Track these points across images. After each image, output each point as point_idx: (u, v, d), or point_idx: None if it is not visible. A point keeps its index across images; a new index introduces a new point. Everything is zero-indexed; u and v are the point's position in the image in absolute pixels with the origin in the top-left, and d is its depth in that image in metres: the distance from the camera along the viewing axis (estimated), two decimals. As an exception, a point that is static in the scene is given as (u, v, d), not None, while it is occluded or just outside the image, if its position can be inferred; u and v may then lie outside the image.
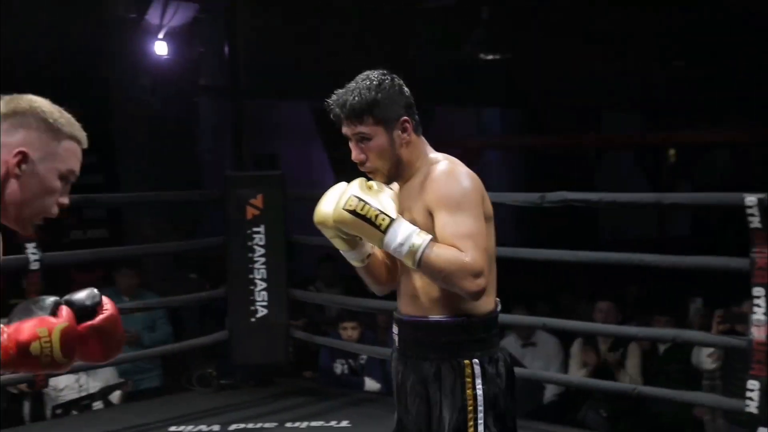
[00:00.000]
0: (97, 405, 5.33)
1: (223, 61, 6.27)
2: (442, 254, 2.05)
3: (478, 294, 2.07)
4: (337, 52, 6.81)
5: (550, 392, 5.53)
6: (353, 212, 2.07)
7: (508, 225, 9.03)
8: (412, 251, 2.05)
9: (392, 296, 2.39)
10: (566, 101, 9.71)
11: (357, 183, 2.13)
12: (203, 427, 4.67)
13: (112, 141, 6.83)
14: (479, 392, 2.13)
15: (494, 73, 8.65)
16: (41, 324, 1.66)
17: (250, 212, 5.21)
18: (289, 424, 4.65)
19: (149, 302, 5.54)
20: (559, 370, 5.50)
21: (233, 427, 4.67)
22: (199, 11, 6.07)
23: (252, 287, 5.22)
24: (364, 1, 6.77)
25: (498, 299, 2.23)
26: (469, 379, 2.14)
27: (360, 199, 2.07)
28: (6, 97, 1.76)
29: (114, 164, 6.81)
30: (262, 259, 5.21)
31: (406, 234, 2.06)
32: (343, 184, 2.18)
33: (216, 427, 4.67)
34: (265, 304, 5.22)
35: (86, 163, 6.26)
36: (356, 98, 2.13)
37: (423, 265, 2.06)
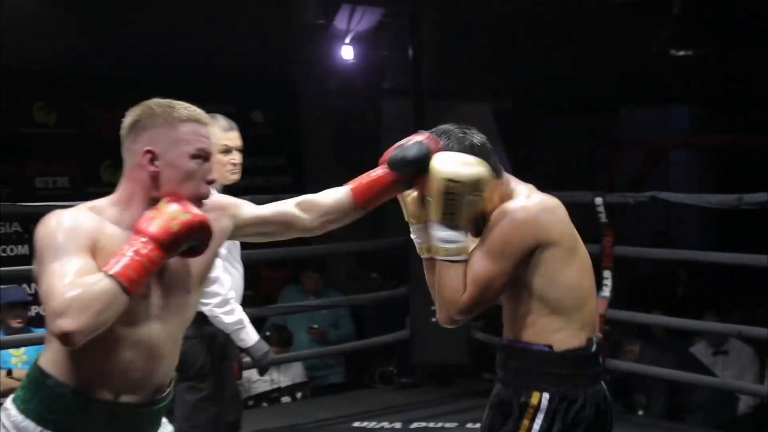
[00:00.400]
0: (285, 399, 5.53)
1: (406, 64, 6.34)
2: (453, 274, 2.08)
3: (450, 324, 2.16)
4: (520, 55, 6.75)
5: (744, 404, 5.25)
6: (449, 192, 2.03)
7: (693, 226, 8.65)
8: (454, 252, 2.06)
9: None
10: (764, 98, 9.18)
11: (467, 157, 2.08)
12: (385, 424, 4.74)
13: (300, 144, 7.07)
14: (536, 427, 2.05)
15: (683, 70, 8.30)
16: (148, 212, 1.81)
17: (433, 212, 5.23)
18: (470, 425, 4.64)
19: (333, 300, 5.69)
20: (755, 380, 5.21)
21: (414, 425, 4.71)
22: (384, 15, 6.17)
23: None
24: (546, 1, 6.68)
25: (595, 338, 2.12)
26: (531, 411, 2.06)
27: (455, 184, 2.03)
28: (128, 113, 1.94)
29: (302, 166, 7.05)
30: (443, 260, 5.21)
31: (456, 238, 2.06)
32: (470, 159, 2.08)
33: (398, 425, 4.73)
34: (443, 304, 5.23)
35: (275, 165, 6.55)
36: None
37: (440, 266, 2.08)
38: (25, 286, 5.17)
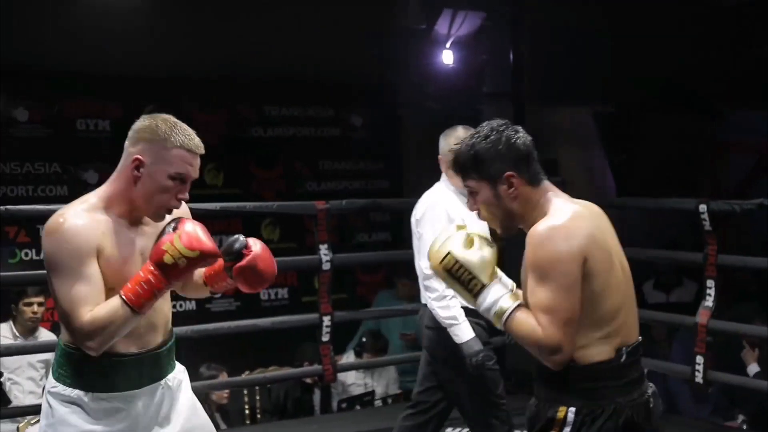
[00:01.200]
0: (378, 402, 5.56)
1: (506, 68, 6.29)
2: (522, 325, 2.05)
3: (557, 366, 2.04)
4: (622, 57, 6.62)
5: None
6: (449, 272, 2.11)
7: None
8: (498, 315, 2.09)
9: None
10: None
11: (459, 239, 2.11)
12: (479, 430, 4.70)
13: (398, 148, 7.10)
14: None
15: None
16: (164, 241, 2.15)
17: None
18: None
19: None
20: None
21: (509, 432, 4.65)
22: (485, 19, 6.14)
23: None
24: (656, 4, 6.53)
25: (626, 348, 2.09)
26: (558, 425, 2.08)
27: (456, 260, 2.09)
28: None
29: (399, 171, 7.07)
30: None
31: (494, 298, 2.08)
32: (449, 232, 2.15)
33: (491, 432, 4.67)
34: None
35: (373, 170, 6.56)
36: (461, 154, 2.15)
37: (507, 329, 2.09)
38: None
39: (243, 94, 6.53)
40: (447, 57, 6.23)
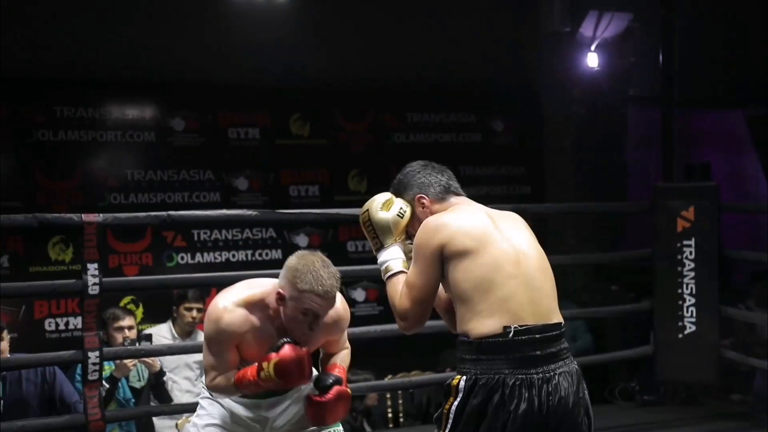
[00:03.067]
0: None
1: (654, 71, 6.14)
2: (394, 287, 2.49)
3: (404, 331, 2.48)
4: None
5: None
6: (363, 225, 2.60)
7: None
8: (385, 272, 2.54)
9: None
10: None
11: (379, 200, 2.59)
12: (626, 442, 4.61)
13: (541, 153, 7.02)
14: (453, 408, 2.34)
15: None
16: (265, 360, 2.70)
17: (681, 224, 5.04)
18: (716, 449, 4.42)
19: (574, 312, 5.58)
20: None
21: (657, 445, 4.54)
22: (632, 21, 6.00)
23: (680, 302, 5.04)
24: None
25: (515, 327, 2.32)
26: (452, 394, 2.36)
27: (369, 218, 2.58)
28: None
29: (542, 176, 6.99)
30: (692, 274, 5.01)
31: (386, 258, 2.55)
32: (383, 195, 2.62)
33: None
34: (693, 320, 5.02)
35: (515, 175, 6.52)
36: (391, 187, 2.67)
37: (387, 285, 2.53)
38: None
39: (386, 102, 6.62)
40: (592, 60, 6.13)
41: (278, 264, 6.18)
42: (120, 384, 4.44)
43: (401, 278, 2.48)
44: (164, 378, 4.59)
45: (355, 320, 5.96)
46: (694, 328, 5.01)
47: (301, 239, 6.22)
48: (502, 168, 6.97)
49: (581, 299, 6.08)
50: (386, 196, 2.61)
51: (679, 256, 5.03)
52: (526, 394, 2.29)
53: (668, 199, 5.10)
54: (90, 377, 3.94)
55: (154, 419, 4.66)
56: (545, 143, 6.98)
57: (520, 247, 2.47)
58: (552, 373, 2.33)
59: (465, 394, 2.32)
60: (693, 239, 5.01)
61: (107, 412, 4.04)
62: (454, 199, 2.59)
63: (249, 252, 6.16)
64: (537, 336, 2.33)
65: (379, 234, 2.57)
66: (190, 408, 4.34)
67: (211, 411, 2.90)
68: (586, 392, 2.44)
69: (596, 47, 6.08)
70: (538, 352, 2.32)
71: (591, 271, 6.55)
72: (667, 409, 5.20)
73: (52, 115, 5.81)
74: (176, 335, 4.90)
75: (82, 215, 3.96)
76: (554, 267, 5.93)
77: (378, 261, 2.57)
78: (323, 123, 6.42)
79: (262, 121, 6.29)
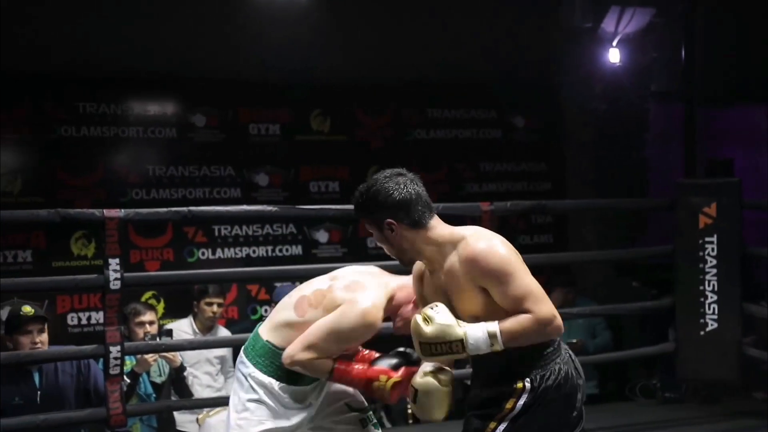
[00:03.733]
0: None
1: (676, 66, 6.09)
2: (515, 327, 2.45)
3: (561, 330, 2.53)
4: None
5: None
6: (434, 356, 2.49)
7: None
8: (492, 337, 2.45)
9: None
10: None
11: (419, 329, 2.46)
12: (647, 440, 4.59)
13: (562, 149, 6.99)
14: (520, 403, 2.54)
15: None
16: (385, 373, 2.82)
17: (703, 221, 5.01)
18: (738, 447, 4.39)
19: (594, 309, 5.57)
20: None
21: (678, 443, 4.52)
22: (655, 16, 5.96)
23: (702, 299, 5.01)
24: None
25: None
26: (516, 396, 2.55)
27: (429, 345, 2.46)
28: None
29: (562, 172, 6.96)
30: (714, 270, 4.97)
31: (478, 336, 2.45)
32: (413, 333, 2.51)
33: (660, 441, 4.56)
34: (715, 317, 4.98)
35: (536, 171, 6.48)
36: (354, 202, 2.61)
37: (508, 341, 2.45)
38: (298, 284, 5.51)
39: (406, 98, 6.61)
40: (614, 55, 6.10)
41: (298, 260, 6.24)
42: (141, 379, 4.47)
43: (505, 322, 2.47)
44: (185, 373, 4.61)
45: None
46: (715, 325, 4.98)
47: (321, 235, 6.23)
48: (522, 164, 6.95)
49: (601, 296, 6.05)
50: (419, 317, 2.51)
51: (700, 253, 4.99)
52: (572, 370, 2.60)
53: (690, 195, 5.07)
54: (111, 371, 3.97)
55: (175, 414, 4.69)
56: (566, 139, 6.96)
57: None
58: (569, 351, 2.68)
59: (533, 391, 2.52)
60: (715, 236, 4.97)
61: (128, 406, 4.07)
62: (433, 222, 2.61)
63: (269, 248, 6.18)
64: None
65: (448, 337, 2.46)
66: (211, 403, 4.37)
67: (260, 415, 2.84)
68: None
69: (618, 43, 6.04)
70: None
71: (611, 268, 6.52)
72: (687, 406, 5.17)
73: (74, 111, 5.85)
74: (197, 330, 4.92)
75: (104, 211, 3.99)
76: (575, 263, 5.92)
77: (475, 346, 2.46)
78: (343, 119, 6.43)
79: (282, 118, 6.30)
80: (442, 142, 6.71)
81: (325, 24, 5.90)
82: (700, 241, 5.00)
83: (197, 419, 4.44)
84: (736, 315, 4.95)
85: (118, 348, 3.97)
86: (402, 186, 2.57)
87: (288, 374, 2.85)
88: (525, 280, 2.46)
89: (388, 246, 2.59)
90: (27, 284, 4.46)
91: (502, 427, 2.50)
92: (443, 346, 2.45)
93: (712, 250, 4.97)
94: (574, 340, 5.69)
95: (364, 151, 6.43)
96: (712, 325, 4.99)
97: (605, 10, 5.90)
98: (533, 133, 6.97)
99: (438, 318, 2.45)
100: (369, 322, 2.75)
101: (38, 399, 3.99)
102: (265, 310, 6.07)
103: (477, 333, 2.44)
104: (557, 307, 5.85)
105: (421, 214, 2.55)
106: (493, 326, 2.44)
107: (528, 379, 2.52)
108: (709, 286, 4.98)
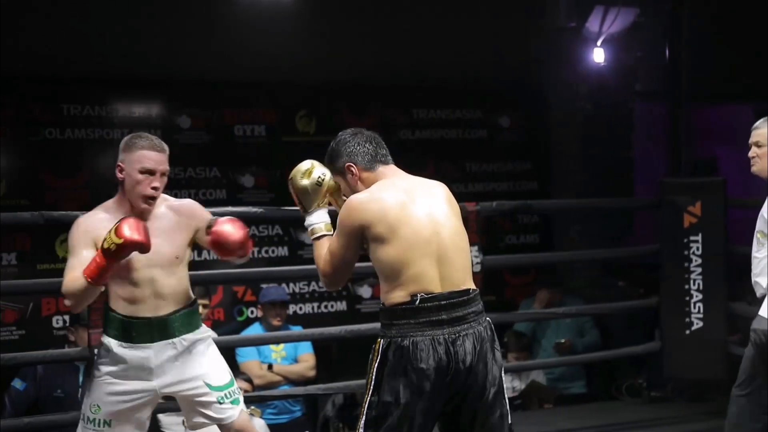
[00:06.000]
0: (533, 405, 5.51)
1: (661, 65, 6.11)
2: (319, 249, 2.78)
3: (327, 287, 2.84)
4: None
5: None
6: (291, 192, 2.86)
7: None
8: (312, 233, 2.84)
9: None
10: None
11: (301, 167, 2.84)
12: (633, 438, 4.60)
13: (547, 149, 7.00)
14: (375, 366, 2.64)
15: None
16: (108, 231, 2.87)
17: (688, 220, 5.02)
18: (724, 445, 4.39)
19: (580, 309, 5.58)
20: None
21: (664, 441, 4.53)
22: (639, 15, 5.98)
23: (687, 298, 5.03)
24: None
25: (422, 295, 2.61)
26: (374, 356, 2.65)
27: (291, 186, 2.85)
28: None
29: (548, 172, 6.98)
30: (699, 269, 4.99)
31: (311, 222, 2.84)
32: (305, 163, 2.86)
33: (646, 440, 4.57)
34: (700, 316, 5.00)
35: (521, 170, 6.47)
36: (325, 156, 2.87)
37: (314, 246, 2.82)
38: (284, 285, 5.50)
39: (392, 98, 6.61)
40: (598, 55, 6.11)
41: (285, 261, 6.23)
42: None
43: (325, 242, 2.77)
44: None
45: (362, 317, 6.01)
46: (701, 324, 4.99)
47: (307, 236, 6.22)
48: (508, 164, 6.96)
49: (588, 295, 6.07)
50: (307, 164, 2.83)
51: (686, 252, 5.01)
52: (433, 353, 2.58)
53: (675, 194, 5.08)
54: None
55: (161, 416, 4.66)
56: (551, 139, 6.97)
57: (435, 224, 2.69)
58: (457, 335, 2.62)
59: (383, 354, 2.62)
60: (700, 235, 4.99)
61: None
62: (381, 168, 2.78)
63: (255, 249, 6.16)
64: (442, 302, 2.63)
65: (302, 200, 2.82)
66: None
67: (105, 360, 3.05)
68: (495, 351, 2.71)
69: (602, 42, 6.05)
70: (443, 316, 2.62)
71: (598, 267, 6.53)
72: (674, 405, 5.19)
73: (59, 113, 5.83)
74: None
75: (88, 213, 3.96)
76: (560, 263, 5.92)
77: (304, 224, 2.84)
78: (329, 120, 6.42)
79: (268, 119, 6.29)
80: (427, 142, 6.72)
81: (310, 25, 5.90)
82: (685, 240, 5.02)
83: (183, 421, 4.41)
84: (721, 314, 4.97)
85: (103, 351, 3.95)
86: (358, 137, 2.83)
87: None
88: (336, 244, 2.72)
89: (349, 192, 2.79)
90: (11, 287, 4.43)
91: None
92: (296, 199, 2.86)
93: (697, 249, 4.99)
94: (563, 340, 5.71)
95: (350, 152, 6.41)
96: (697, 324, 5.00)
97: (589, 9, 5.92)
98: (519, 133, 6.98)
99: (311, 180, 2.83)
100: (77, 224, 3.07)
101: (80, 395, 4.06)
102: (252, 312, 6.05)
103: (314, 219, 2.84)
104: (543, 307, 5.89)
105: (373, 157, 2.79)
106: (320, 230, 2.81)
107: (382, 341, 2.65)
108: (694, 285, 5.00)
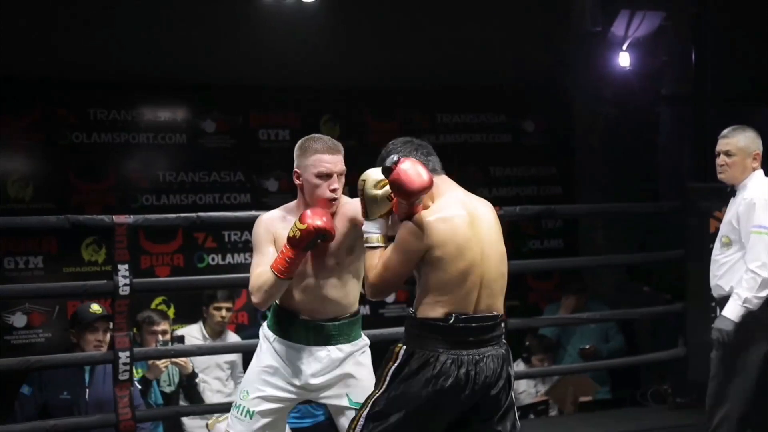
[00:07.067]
0: (552, 411, 5.48)
1: (687, 70, 6.07)
2: (371, 259, 2.72)
3: (370, 297, 2.78)
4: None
5: None
6: (359, 191, 2.78)
7: None
8: (366, 240, 2.76)
9: None
10: None
11: (376, 176, 2.75)
12: (655, 446, 4.57)
13: (572, 153, 6.97)
14: (391, 370, 2.66)
15: None
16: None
17: (713, 225, 4.98)
18: (749, 451, 4.34)
19: (605, 314, 5.55)
20: None
21: (689, 448, 4.49)
22: (665, 19, 5.95)
23: (713, 304, 4.98)
24: None
25: (457, 315, 2.63)
26: (392, 359, 2.68)
27: (363, 188, 2.77)
28: None
29: (572, 176, 6.95)
30: (724, 275, 4.93)
31: (368, 230, 2.76)
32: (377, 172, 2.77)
33: (670, 447, 4.53)
34: (726, 322, 4.94)
35: (546, 175, 6.46)
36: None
37: (366, 252, 2.75)
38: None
39: (416, 102, 6.61)
40: (624, 59, 6.08)
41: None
42: (152, 387, 4.48)
43: (377, 253, 2.73)
44: (196, 380, 4.61)
45: (386, 322, 6.01)
46: (727, 330, 4.94)
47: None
48: (532, 168, 6.94)
49: (613, 300, 6.03)
50: (380, 175, 2.76)
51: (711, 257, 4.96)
52: (455, 371, 2.62)
53: (700, 199, 5.04)
54: (120, 377, 3.98)
55: (185, 420, 4.69)
56: (576, 143, 6.94)
57: (487, 248, 2.71)
58: (481, 356, 2.66)
59: (403, 361, 2.65)
60: (725, 240, 4.93)
61: (137, 412, 4.08)
62: (436, 180, 2.76)
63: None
64: (473, 325, 2.66)
65: (368, 206, 2.77)
66: (221, 408, 4.37)
67: (264, 354, 3.05)
68: (508, 371, 2.73)
69: (628, 46, 6.03)
70: (471, 338, 2.66)
71: (623, 272, 6.50)
72: (699, 411, 5.13)
73: (86, 117, 5.87)
74: (207, 336, 4.93)
75: (113, 217, 4.01)
76: (585, 268, 5.86)
77: (362, 230, 2.80)
78: (353, 124, 6.43)
79: (292, 123, 6.31)
80: (451, 146, 6.70)
81: (334, 29, 5.91)
82: (711, 245, 4.97)
83: (207, 425, 4.44)
84: (747, 319, 4.91)
85: (127, 354, 3.98)
86: (409, 146, 2.85)
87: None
88: (393, 258, 2.69)
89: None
90: (38, 290, 4.48)
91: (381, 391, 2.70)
92: (362, 202, 2.79)
93: (723, 254, 4.93)
94: (587, 346, 5.68)
95: (374, 156, 6.40)
96: (723, 329, 4.95)
97: (615, 14, 5.90)
98: (543, 138, 6.96)
99: (382, 192, 2.76)
100: (258, 222, 3.06)
101: (87, 397, 4.10)
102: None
103: (370, 228, 2.76)
104: (569, 312, 5.87)
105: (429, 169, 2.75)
106: (374, 239, 2.75)
107: (404, 348, 2.67)
108: (719, 290, 4.95)
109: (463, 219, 2.68)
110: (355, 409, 2.89)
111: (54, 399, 4.07)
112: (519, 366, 5.51)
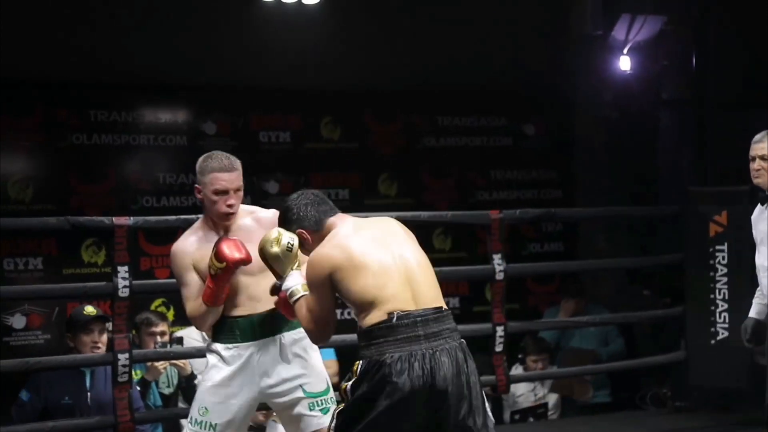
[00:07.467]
0: (552, 414, 5.47)
1: (688, 74, 6.08)
2: (298, 312, 2.85)
3: (314, 342, 3.00)
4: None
5: None
6: (264, 260, 2.91)
7: None
8: (291, 296, 2.88)
9: None
10: None
11: (269, 236, 2.87)
12: (657, 449, 4.57)
13: (572, 157, 6.97)
14: (349, 386, 2.68)
15: None
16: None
17: (713, 229, 4.99)
18: (749, 457, 4.36)
19: (605, 317, 5.55)
20: None
21: (689, 452, 4.50)
22: (666, 24, 5.95)
23: (713, 308, 4.99)
24: None
25: (398, 312, 2.65)
26: (351, 375, 2.70)
27: (264, 255, 2.89)
28: None
29: (573, 180, 6.95)
30: (724, 279, 4.95)
31: (290, 285, 2.88)
32: (274, 231, 2.90)
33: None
34: (726, 326, 4.96)
35: (546, 179, 6.48)
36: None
37: (294, 307, 2.87)
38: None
39: (417, 105, 6.62)
40: (624, 63, 6.08)
41: None
42: (151, 389, 4.47)
43: (303, 302, 2.83)
44: (195, 381, 4.61)
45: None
46: (726, 333, 4.95)
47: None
48: (532, 172, 6.93)
49: (613, 303, 6.03)
50: (275, 232, 2.89)
51: (711, 261, 4.97)
52: (408, 369, 2.62)
53: (701, 203, 5.05)
54: (119, 379, 3.98)
55: (184, 421, 4.69)
56: (576, 147, 6.95)
57: (396, 247, 2.77)
58: (433, 351, 2.65)
59: (360, 375, 2.67)
60: (726, 244, 4.95)
61: (137, 414, 4.08)
62: (328, 222, 2.88)
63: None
64: (418, 319, 2.68)
65: (275, 267, 2.90)
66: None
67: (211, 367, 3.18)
68: (468, 365, 2.71)
69: (629, 50, 6.03)
70: (420, 332, 2.67)
71: (623, 276, 6.50)
72: (699, 415, 5.14)
73: (86, 118, 5.87)
74: (206, 337, 4.91)
75: (113, 218, 4.01)
76: (585, 271, 5.86)
77: (282, 289, 2.91)
78: (354, 126, 6.43)
79: (293, 125, 6.31)
80: (452, 149, 6.71)
81: (335, 31, 5.92)
82: (711, 250, 4.98)
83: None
84: (747, 324, 4.92)
85: (127, 355, 3.99)
86: (302, 199, 2.93)
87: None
88: (313, 301, 2.80)
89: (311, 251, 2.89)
90: (37, 291, 4.49)
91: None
92: (270, 266, 2.91)
93: (723, 258, 4.95)
94: (587, 349, 5.68)
95: (375, 159, 6.43)
96: (723, 333, 4.97)
97: (616, 18, 5.90)
98: (544, 141, 6.96)
99: (281, 248, 2.87)
100: (173, 252, 3.21)
101: (88, 400, 4.10)
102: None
103: (290, 282, 2.88)
104: (569, 316, 5.88)
105: (318, 220, 2.89)
106: (298, 292, 2.85)
107: (362, 362, 2.68)
108: (719, 294, 4.96)
109: (350, 237, 2.78)
110: (311, 399, 3.13)
111: (56, 404, 4.06)
112: (517, 370, 5.50)
